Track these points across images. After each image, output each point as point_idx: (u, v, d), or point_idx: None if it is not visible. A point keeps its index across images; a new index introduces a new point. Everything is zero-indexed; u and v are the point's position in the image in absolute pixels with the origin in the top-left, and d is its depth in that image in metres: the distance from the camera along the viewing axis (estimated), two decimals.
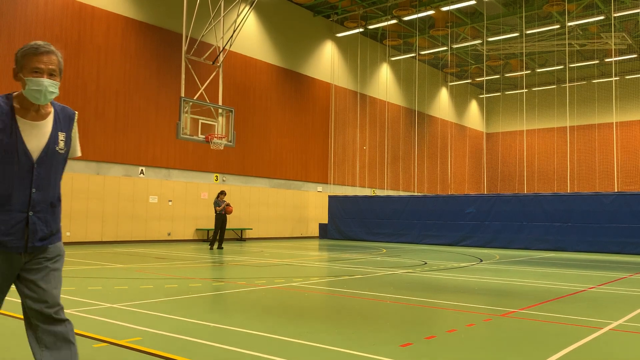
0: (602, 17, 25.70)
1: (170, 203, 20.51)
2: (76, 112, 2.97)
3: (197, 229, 21.46)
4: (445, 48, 31.10)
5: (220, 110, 16.93)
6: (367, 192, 30.06)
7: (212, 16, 18.00)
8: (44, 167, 2.72)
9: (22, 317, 2.77)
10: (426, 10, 25.86)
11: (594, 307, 6.65)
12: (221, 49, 17.52)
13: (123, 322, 5.24)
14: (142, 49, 19.75)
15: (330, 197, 25.51)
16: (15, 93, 2.74)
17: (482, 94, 41.06)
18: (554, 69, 35.79)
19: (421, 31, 29.99)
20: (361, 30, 28.80)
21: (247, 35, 23.32)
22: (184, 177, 21.13)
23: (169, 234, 20.41)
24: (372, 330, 5.07)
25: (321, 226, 25.86)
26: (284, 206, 25.24)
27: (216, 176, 22.29)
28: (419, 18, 28.09)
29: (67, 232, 16.77)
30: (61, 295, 2.82)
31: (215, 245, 16.73)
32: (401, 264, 12.53)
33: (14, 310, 5.52)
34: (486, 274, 10.42)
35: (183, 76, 16.51)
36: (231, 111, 17.17)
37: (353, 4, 26.77)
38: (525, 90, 38.77)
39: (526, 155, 39.25)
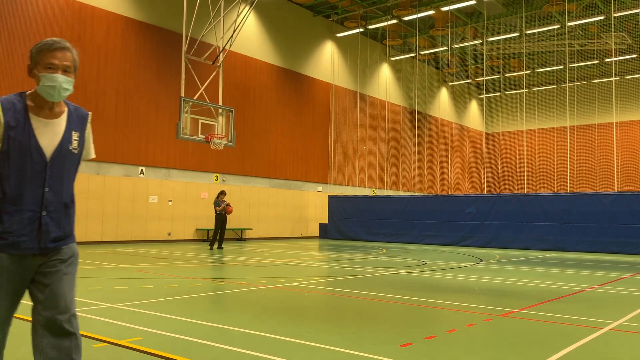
0: (602, 17, 25.70)
1: (170, 203, 20.51)
2: (90, 113, 2.93)
3: (197, 229, 21.46)
4: (445, 48, 31.10)
5: (220, 110, 16.93)
6: (367, 192, 30.06)
7: (212, 16, 18.00)
8: (57, 166, 2.68)
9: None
10: (426, 10, 25.86)
11: (594, 307, 6.65)
12: (221, 49, 17.52)
13: (123, 322, 5.24)
14: (142, 49, 19.75)
15: (330, 197, 25.50)
16: (29, 91, 2.71)
17: (482, 94, 41.05)
18: (554, 69, 35.79)
19: (421, 31, 29.99)
20: (361, 30, 28.80)
21: (247, 35, 23.32)
22: (184, 177, 21.13)
23: (169, 234, 20.41)
24: (372, 330, 5.07)
25: (321, 226, 25.86)
26: (284, 206, 25.24)
27: (216, 176, 22.29)
28: (419, 18, 28.09)
29: None
30: None
31: (215, 245, 16.73)
32: (401, 264, 12.52)
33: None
34: (486, 274, 10.42)
35: (183, 76, 16.51)
36: (231, 111, 17.17)
37: (353, 4, 26.77)
38: (525, 90, 38.77)
39: (526, 155, 39.25)
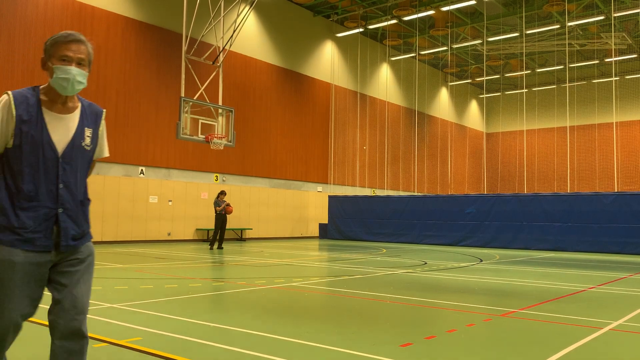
0: (602, 17, 25.70)
1: (170, 203, 20.51)
2: (104, 110, 2.88)
3: (197, 229, 21.46)
4: (445, 48, 31.10)
5: (220, 110, 16.93)
6: (367, 192, 30.06)
7: (212, 16, 18.00)
8: (69, 162, 2.63)
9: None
10: (426, 10, 25.86)
11: (594, 307, 6.65)
12: (221, 49, 17.52)
13: (123, 322, 5.24)
14: (142, 49, 19.75)
15: (330, 197, 25.51)
16: (42, 86, 2.67)
17: (482, 94, 41.05)
18: (554, 69, 35.79)
19: (421, 31, 29.99)
20: (361, 30, 28.80)
21: (247, 35, 23.32)
22: (184, 177, 21.13)
23: (169, 234, 20.41)
24: (372, 330, 5.07)
25: (321, 226, 25.86)
26: (284, 206, 25.24)
27: (216, 176, 22.28)
28: (419, 18, 28.09)
29: None
30: None
31: (215, 245, 16.73)
32: (401, 264, 12.52)
33: None
34: (486, 274, 10.42)
35: (183, 76, 16.51)
36: (231, 111, 17.17)
37: (353, 4, 26.76)
38: (525, 90, 38.77)
39: (526, 155, 39.24)
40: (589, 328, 5.28)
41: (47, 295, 2.61)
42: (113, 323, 5.17)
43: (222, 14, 17.75)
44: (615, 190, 29.76)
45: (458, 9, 27.13)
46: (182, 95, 16.09)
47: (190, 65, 16.99)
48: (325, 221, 26.41)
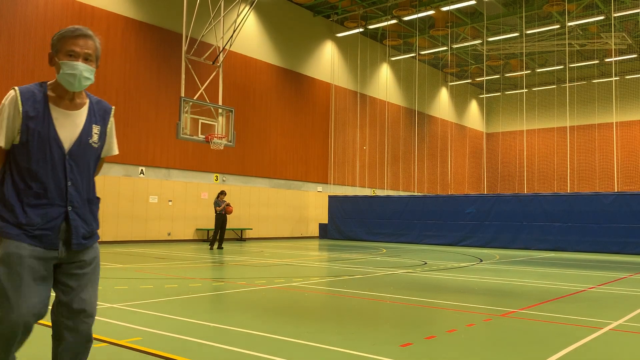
0: (602, 17, 25.70)
1: (170, 203, 20.51)
2: (113, 107, 2.83)
3: (197, 229, 21.46)
4: (445, 48, 31.10)
5: (220, 110, 16.93)
6: (367, 192, 30.06)
7: (212, 16, 17.99)
8: (77, 160, 2.58)
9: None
10: (426, 10, 25.85)
11: (594, 307, 6.65)
12: (221, 49, 17.52)
13: (123, 322, 5.24)
14: (142, 49, 19.76)
15: (330, 197, 25.50)
16: (50, 81, 2.62)
17: (482, 94, 41.05)
18: (554, 69, 35.79)
19: (421, 31, 29.99)
20: (361, 30, 28.80)
21: (247, 35, 23.31)
22: (184, 177, 21.13)
23: (169, 234, 20.41)
24: (372, 330, 5.07)
25: (321, 226, 25.86)
26: (284, 206, 25.24)
27: (216, 176, 22.29)
28: (419, 18, 28.08)
29: None
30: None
31: (215, 245, 16.73)
32: (401, 264, 12.53)
33: None
34: (486, 274, 10.42)
35: (183, 76, 16.51)
36: (231, 111, 17.17)
37: (353, 4, 26.76)
38: (525, 90, 38.76)
39: (526, 155, 39.24)
40: (589, 328, 5.28)
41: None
42: (113, 323, 5.17)
43: (222, 14, 17.75)
44: (615, 190, 29.76)
45: (458, 9, 27.13)
46: (182, 95, 16.09)
47: (190, 65, 16.99)
48: (325, 221, 26.41)
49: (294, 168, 25.81)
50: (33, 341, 4.37)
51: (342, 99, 28.91)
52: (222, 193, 16.84)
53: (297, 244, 20.97)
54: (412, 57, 33.58)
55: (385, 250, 17.42)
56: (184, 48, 16.61)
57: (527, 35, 29.37)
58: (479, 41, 29.74)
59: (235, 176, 23.05)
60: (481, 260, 13.89)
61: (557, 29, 28.47)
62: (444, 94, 37.87)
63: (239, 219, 22.85)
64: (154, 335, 4.70)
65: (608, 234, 17.86)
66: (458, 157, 38.50)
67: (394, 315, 6.07)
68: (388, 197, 24.17)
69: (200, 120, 16.30)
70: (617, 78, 34.90)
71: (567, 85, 33.86)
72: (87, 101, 2.68)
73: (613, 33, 28.58)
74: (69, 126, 2.58)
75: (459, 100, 39.58)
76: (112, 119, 2.79)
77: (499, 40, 30.37)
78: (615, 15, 25.46)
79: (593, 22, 27.35)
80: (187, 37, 16.68)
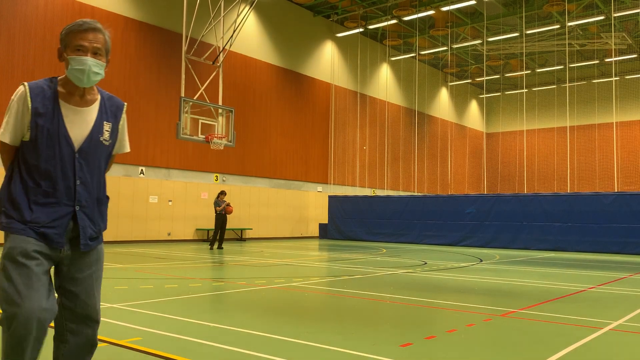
0: (602, 17, 25.69)
1: (170, 203, 20.51)
2: (125, 103, 2.76)
3: (197, 229, 21.46)
4: (445, 48, 31.10)
5: (220, 110, 16.93)
6: (367, 192, 30.06)
7: (212, 16, 18.00)
8: (87, 158, 2.52)
9: None
10: (426, 10, 25.86)
11: (594, 307, 6.65)
12: (221, 49, 17.52)
13: (123, 322, 5.24)
14: (142, 49, 19.76)
15: (330, 197, 25.51)
16: (61, 77, 2.55)
17: (482, 94, 41.06)
18: (554, 69, 35.79)
19: (421, 31, 30.00)
20: (361, 30, 28.80)
21: (247, 35, 23.32)
22: (184, 177, 21.13)
23: (169, 234, 20.41)
24: (372, 330, 5.07)
25: (321, 226, 25.86)
26: (284, 206, 25.24)
27: (216, 176, 22.29)
28: (419, 18, 28.09)
29: None
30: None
31: (215, 245, 16.73)
32: (401, 264, 12.53)
33: None
34: (486, 274, 10.42)
35: (183, 76, 16.52)
36: (231, 111, 17.17)
37: (353, 4, 26.76)
38: (525, 90, 38.77)
39: (526, 155, 39.24)
40: (589, 328, 5.28)
41: None
42: (113, 323, 5.17)
43: (222, 14, 17.75)
44: (615, 190, 29.77)
45: (458, 9, 27.13)
46: (182, 95, 16.09)
47: (190, 65, 16.99)
48: (325, 221, 26.42)
49: (294, 168, 25.81)
50: None
51: (342, 99, 28.91)
52: (222, 193, 16.84)
53: (297, 244, 20.97)
54: (412, 57, 33.58)
55: (385, 250, 17.42)
56: (184, 48, 16.61)
57: (527, 35, 29.37)
58: (479, 41, 29.74)
59: (235, 176, 23.05)
60: (481, 260, 13.89)
61: (557, 29, 28.47)
62: (444, 94, 37.87)
63: (239, 219, 22.85)
64: (154, 335, 4.70)
65: (608, 234, 17.86)
66: (458, 157, 38.50)
67: (394, 315, 6.07)
68: (388, 197, 24.17)
69: (200, 120, 16.31)
70: (617, 78, 34.90)
71: (567, 85, 33.86)
72: (99, 97, 2.62)
73: (613, 33, 28.59)
74: (79, 123, 2.51)
75: (459, 100, 39.59)
76: (124, 116, 2.72)
77: (499, 40, 30.38)
78: (615, 15, 25.46)
79: (593, 22, 27.35)
80: (187, 37, 16.69)
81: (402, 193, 32.37)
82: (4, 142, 2.46)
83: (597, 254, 17.27)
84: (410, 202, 22.97)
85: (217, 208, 16.48)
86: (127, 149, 2.80)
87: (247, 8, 17.97)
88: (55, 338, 2.61)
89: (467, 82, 39.11)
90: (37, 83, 2.48)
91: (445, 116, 37.67)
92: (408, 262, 12.92)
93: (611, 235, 17.80)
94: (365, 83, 30.57)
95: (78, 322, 2.52)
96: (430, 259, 13.95)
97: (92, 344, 2.59)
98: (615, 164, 34.35)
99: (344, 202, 24.85)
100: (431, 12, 26.04)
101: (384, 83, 32.11)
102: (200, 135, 16.19)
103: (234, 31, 17.29)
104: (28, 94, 2.43)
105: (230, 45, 17.92)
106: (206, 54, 18.02)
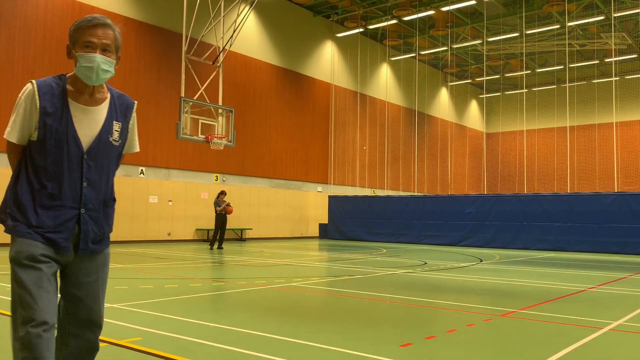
0: (602, 17, 25.69)
1: (170, 203, 20.51)
2: (135, 102, 2.68)
3: (197, 229, 21.46)
4: (445, 48, 31.10)
5: (220, 110, 16.93)
6: (367, 192, 30.06)
7: (212, 16, 18.00)
8: (95, 159, 2.44)
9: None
10: (426, 10, 25.86)
11: (594, 307, 6.65)
12: (221, 49, 17.52)
13: (123, 322, 5.24)
14: (142, 49, 19.75)
15: (330, 197, 25.51)
16: (69, 74, 2.47)
17: (482, 94, 41.06)
18: (554, 69, 35.79)
19: (421, 31, 30.00)
20: (361, 30, 28.80)
21: (247, 35, 23.32)
22: (184, 177, 21.13)
23: (169, 234, 20.41)
24: (372, 330, 5.07)
25: (321, 226, 25.86)
26: (284, 206, 25.24)
27: (216, 176, 22.28)
28: (419, 18, 28.08)
29: None
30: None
31: (215, 245, 16.73)
32: (401, 264, 12.52)
33: (8, 309, 5.51)
34: (486, 274, 10.42)
35: (183, 76, 16.52)
36: (231, 111, 17.17)
37: (353, 4, 26.77)
38: (525, 90, 38.77)
39: (526, 155, 39.25)
40: (589, 328, 5.28)
41: None
42: (113, 323, 5.17)
43: (222, 14, 17.75)
44: (615, 190, 29.77)
45: (458, 9, 27.13)
46: (182, 95, 16.09)
47: (190, 65, 16.99)
48: (325, 221, 26.42)
49: (294, 168, 25.81)
50: None
51: (342, 99, 28.91)
52: (222, 193, 16.84)
53: (297, 244, 20.97)
54: (412, 57, 33.58)
55: (385, 250, 17.42)
56: (184, 48, 16.61)
57: (527, 35, 29.37)
58: (479, 41, 29.74)
59: (235, 176, 23.05)
60: (481, 260, 13.89)
61: (557, 29, 28.47)
62: (444, 94, 37.87)
63: (239, 219, 22.85)
64: (154, 335, 4.70)
65: (608, 234, 17.86)
66: (458, 157, 38.50)
67: (394, 315, 6.07)
68: (388, 197, 24.17)
69: (200, 120, 16.30)
70: (617, 78, 34.90)
71: (567, 85, 33.86)
72: (108, 96, 2.54)
73: (613, 33, 28.58)
74: (88, 123, 2.44)
75: (459, 100, 39.58)
76: (134, 115, 2.65)
77: (499, 40, 30.38)
78: (615, 15, 25.46)
79: (593, 22, 27.35)
80: (187, 37, 16.69)
81: (402, 193, 32.37)
82: (11, 141, 2.41)
83: (597, 254, 17.27)
84: (410, 202, 22.97)
85: (217, 208, 16.47)
86: (137, 149, 2.72)
87: (247, 8, 17.97)
88: (57, 340, 2.57)
89: (467, 82, 39.12)
90: (45, 81, 2.41)
91: (445, 116, 37.67)
92: (408, 262, 12.92)
93: (611, 235, 17.80)
94: (365, 83, 30.56)
95: (81, 326, 2.48)
96: (430, 259, 13.95)
97: (93, 348, 2.55)
98: (615, 164, 34.35)
99: (344, 202, 24.85)
100: (431, 12, 26.04)
101: (384, 83, 32.10)
102: (200, 135, 16.19)
103: (234, 31, 17.29)
104: (36, 92, 2.36)
105: (230, 45, 17.92)
106: (206, 54, 18.02)
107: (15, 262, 2.33)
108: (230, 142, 16.87)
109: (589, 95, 37.04)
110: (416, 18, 27.68)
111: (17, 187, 2.41)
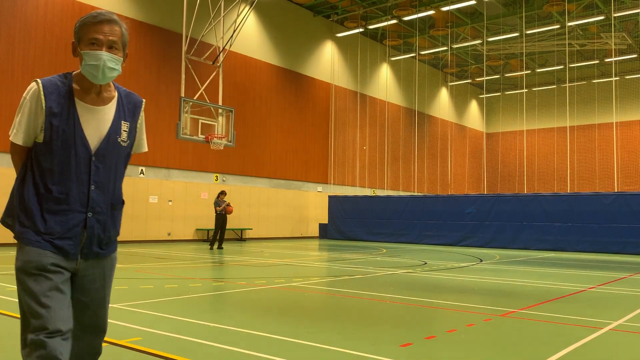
0: (602, 17, 25.70)
1: (170, 203, 20.51)
2: (143, 100, 2.58)
3: (197, 229, 21.45)
4: (445, 48, 31.10)
5: (220, 110, 16.93)
6: (367, 192, 30.06)
7: (212, 16, 18.00)
8: (103, 161, 2.36)
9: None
10: (426, 10, 25.86)
11: (594, 307, 6.65)
12: (221, 49, 17.52)
13: (123, 322, 5.24)
14: (143, 49, 19.75)
15: (330, 197, 25.51)
16: (75, 72, 2.38)
17: (482, 94, 41.06)
18: (554, 69, 35.79)
19: (421, 31, 30.00)
20: (361, 30, 28.80)
21: (247, 35, 23.32)
22: (184, 177, 21.13)
23: (169, 234, 20.41)
24: (372, 330, 5.07)
25: (321, 226, 25.86)
26: (284, 206, 25.24)
27: (216, 176, 22.28)
28: (419, 18, 28.09)
29: None
30: None
31: (215, 245, 16.73)
32: (401, 264, 12.52)
33: (8, 309, 5.52)
34: (486, 274, 10.42)
35: (183, 76, 16.51)
36: (231, 111, 17.17)
37: (353, 4, 26.77)
38: (525, 90, 38.77)
39: (526, 155, 39.25)
40: (589, 328, 5.28)
41: None
42: (113, 323, 5.16)
43: (222, 14, 17.75)
44: (615, 190, 29.77)
45: (458, 9, 27.13)
46: (182, 95, 16.09)
47: (190, 65, 16.99)
48: (325, 221, 26.42)
49: (294, 168, 25.81)
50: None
51: (342, 99, 28.91)
52: (222, 193, 16.84)
53: (297, 244, 20.97)
54: (412, 57, 33.58)
55: (385, 250, 17.42)
56: (184, 48, 16.61)
57: (527, 35, 29.37)
58: (479, 41, 29.74)
59: (235, 176, 23.05)
60: (481, 260, 13.89)
61: (557, 29, 28.47)
62: (444, 94, 37.87)
63: (239, 219, 22.85)
64: (154, 335, 4.70)
65: (608, 234, 17.86)
66: (458, 157, 38.50)
67: (394, 315, 6.07)
68: (388, 197, 24.17)
69: (200, 120, 16.31)
70: (617, 78, 34.90)
71: (567, 85, 33.86)
72: (116, 94, 2.44)
73: (613, 33, 28.58)
74: (96, 123, 2.35)
75: (459, 100, 39.58)
76: (142, 114, 2.55)
77: (499, 40, 30.38)
78: (615, 15, 25.46)
79: (593, 22, 27.35)
80: (187, 37, 16.69)
81: (402, 193, 32.37)
82: (17, 143, 2.32)
83: (597, 254, 17.27)
84: (410, 202, 22.97)
85: (217, 208, 16.47)
86: (145, 149, 2.63)
87: (247, 8, 17.97)
88: None
89: (467, 82, 39.12)
90: (51, 80, 2.31)
91: (445, 116, 37.67)
92: (408, 262, 12.92)
93: (611, 235, 17.80)
94: (365, 83, 30.56)
95: (85, 330, 2.42)
96: (430, 259, 13.95)
97: (96, 352, 2.51)
98: (615, 164, 34.35)
99: (344, 202, 24.85)
100: (431, 12, 26.04)
101: (384, 83, 32.10)
102: (200, 135, 16.19)
103: (234, 31, 17.29)
104: (42, 91, 2.27)
105: (230, 45, 17.93)
106: (206, 54, 18.03)
107: (24, 271, 2.25)
108: (230, 142, 16.87)
109: (589, 95, 37.04)
110: (416, 18, 27.68)
111: (22, 190, 2.33)
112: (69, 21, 17.70)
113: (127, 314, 5.64)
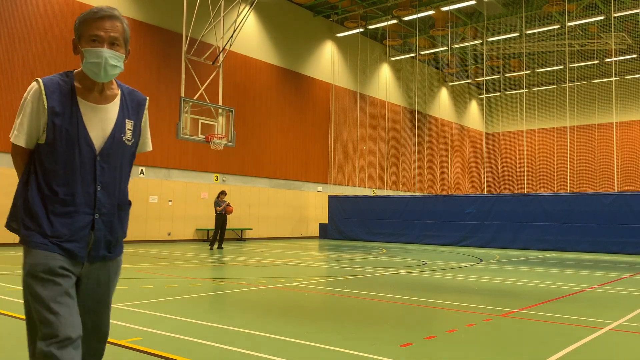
0: (602, 17, 25.70)
1: (170, 203, 20.51)
2: (147, 98, 2.51)
3: (197, 229, 21.45)
4: (445, 48, 31.10)
5: (220, 110, 16.93)
6: (367, 192, 30.06)
7: (212, 16, 18.00)
8: (108, 160, 2.30)
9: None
10: (426, 10, 25.86)
11: (594, 307, 6.65)
12: (221, 49, 17.52)
13: (123, 322, 5.24)
14: (142, 49, 19.75)
15: (330, 197, 25.51)
16: (76, 70, 2.32)
17: (482, 94, 41.06)
18: (554, 69, 35.79)
19: (421, 31, 30.00)
20: (361, 30, 28.80)
21: (247, 35, 23.32)
22: (184, 177, 21.13)
23: (169, 234, 20.41)
24: (372, 330, 5.07)
25: (321, 226, 25.86)
26: (284, 206, 25.24)
27: (216, 176, 22.28)
28: (419, 18, 28.08)
29: None
30: None
31: (216, 245, 16.73)
32: (401, 264, 12.52)
33: (8, 309, 5.51)
34: (486, 274, 10.42)
35: (183, 76, 16.52)
36: (231, 111, 17.17)
37: (353, 4, 26.77)
38: (525, 90, 38.77)
39: (526, 155, 39.25)
40: (589, 328, 5.28)
41: None
42: (113, 323, 5.16)
43: (222, 14, 17.75)
44: (615, 190, 29.77)
45: (458, 9, 27.13)
46: (182, 95, 16.09)
47: (190, 65, 16.99)
48: (325, 221, 26.42)
49: (294, 168, 25.81)
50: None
51: (342, 99, 28.91)
52: (222, 193, 16.84)
53: (297, 244, 20.97)
54: (412, 57, 33.58)
55: (385, 250, 17.42)
56: (184, 48, 16.61)
57: (527, 35, 29.37)
58: (479, 41, 29.74)
59: (235, 176, 23.05)
60: (481, 260, 13.89)
61: (557, 29, 28.47)
62: (444, 94, 37.87)
63: (239, 219, 22.85)
64: (154, 335, 4.70)
65: (608, 234, 17.86)
66: (458, 157, 38.50)
67: (394, 315, 6.07)
68: (388, 197, 24.17)
69: (200, 120, 16.31)
70: (617, 78, 34.90)
71: (567, 85, 33.86)
72: (119, 92, 2.38)
73: (613, 33, 28.58)
74: (100, 122, 2.29)
75: (459, 100, 39.58)
76: (146, 112, 2.48)
77: (499, 40, 30.37)
78: (615, 15, 25.46)
79: (593, 22, 27.36)
80: (187, 37, 16.69)
81: (402, 193, 32.37)
82: (19, 145, 2.26)
83: (597, 254, 17.27)
84: (410, 202, 22.97)
85: (217, 208, 16.47)
86: (149, 148, 2.57)
87: (247, 8, 17.97)
88: None
89: (467, 82, 39.12)
90: (52, 79, 2.25)
91: (445, 116, 37.67)
92: (408, 262, 12.92)
93: (611, 235, 17.80)
94: (365, 83, 30.57)
95: (87, 333, 2.37)
96: (430, 259, 13.95)
97: (98, 356, 2.49)
98: (615, 164, 34.36)
99: (344, 202, 24.85)
100: (431, 12, 26.04)
101: (384, 83, 32.11)
102: (200, 135, 16.19)
103: (234, 31, 17.29)
104: (43, 91, 2.21)
105: (230, 45, 17.93)
106: (206, 54, 18.03)
107: (32, 275, 2.19)
108: (230, 142, 16.87)
109: (589, 95, 37.04)
110: (416, 18, 27.68)
111: (27, 193, 2.26)
112: (69, 21, 17.70)
113: (127, 314, 5.64)
